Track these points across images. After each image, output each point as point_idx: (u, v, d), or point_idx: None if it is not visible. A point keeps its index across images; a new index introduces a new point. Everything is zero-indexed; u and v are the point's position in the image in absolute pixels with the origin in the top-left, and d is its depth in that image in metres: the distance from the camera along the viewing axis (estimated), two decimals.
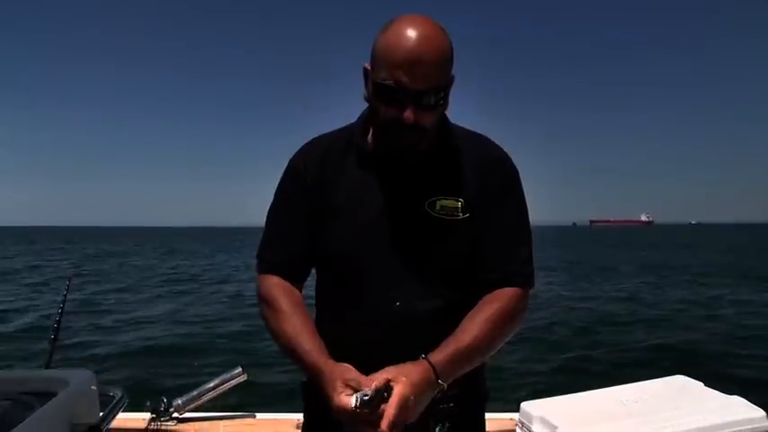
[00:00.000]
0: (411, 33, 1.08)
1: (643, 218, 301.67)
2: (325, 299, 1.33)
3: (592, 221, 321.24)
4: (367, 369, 1.11)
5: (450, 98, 1.21)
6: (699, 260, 29.04)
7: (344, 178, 1.27)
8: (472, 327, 1.18)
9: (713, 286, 17.12)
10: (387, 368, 1.06)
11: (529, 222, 1.32)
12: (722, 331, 10.46)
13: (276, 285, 1.27)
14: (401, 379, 1.04)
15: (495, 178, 1.28)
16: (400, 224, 1.22)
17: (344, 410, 1.02)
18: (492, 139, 1.36)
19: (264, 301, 1.27)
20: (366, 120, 1.30)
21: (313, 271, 1.36)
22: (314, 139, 1.36)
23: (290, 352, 1.19)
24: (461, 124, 1.35)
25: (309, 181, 1.28)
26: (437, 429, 1.21)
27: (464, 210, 1.23)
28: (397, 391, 1.02)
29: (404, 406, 1.02)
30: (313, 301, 1.37)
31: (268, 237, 1.33)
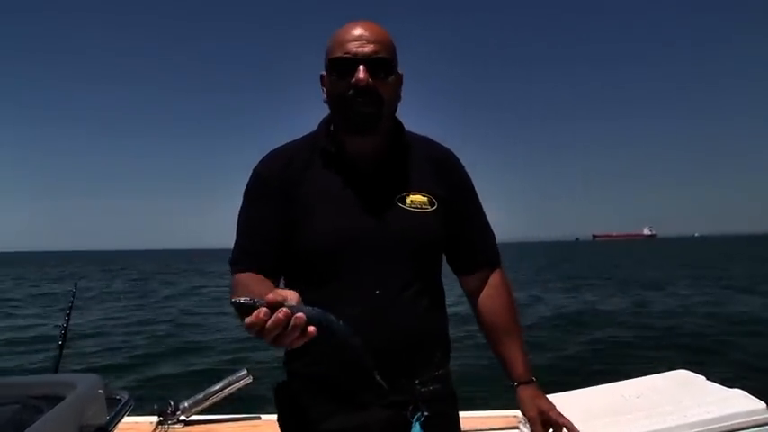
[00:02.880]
0: (355, 23, 1.27)
1: (646, 231, 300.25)
2: (302, 297, 1.33)
3: (595, 236, 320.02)
4: (345, 357, 1.13)
5: (403, 94, 1.34)
6: None
7: (311, 179, 1.32)
8: (507, 322, 1.41)
9: None
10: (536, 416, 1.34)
11: None
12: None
13: (240, 275, 1.28)
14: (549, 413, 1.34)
15: (456, 177, 1.43)
16: (374, 218, 1.28)
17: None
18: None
19: (230, 290, 1.26)
20: (327, 123, 1.37)
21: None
22: (277, 147, 1.41)
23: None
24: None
25: (274, 185, 1.32)
26: (414, 418, 1.24)
27: (431, 203, 1.33)
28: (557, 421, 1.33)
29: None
30: None
31: (237, 242, 1.36)
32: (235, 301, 0.92)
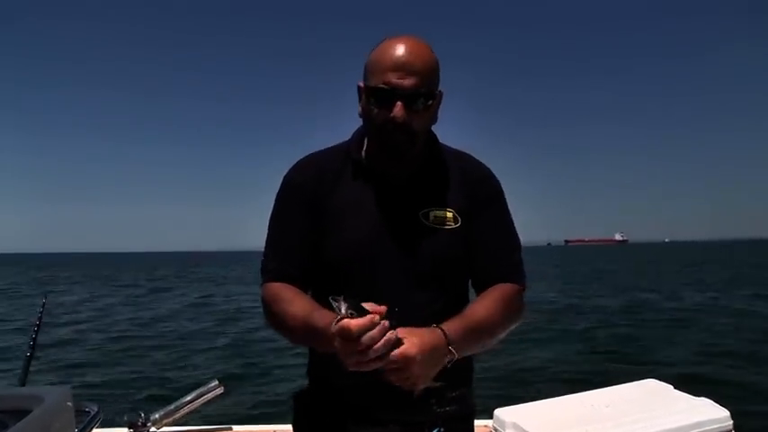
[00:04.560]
0: (398, 44, 1.21)
1: (617, 237, 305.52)
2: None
3: (567, 241, 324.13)
4: (366, 373, 1.11)
5: (440, 114, 1.31)
6: None
7: (341, 190, 1.32)
8: (480, 306, 1.26)
9: None
10: (399, 329, 1.05)
11: (516, 230, 1.41)
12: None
13: (279, 285, 1.30)
14: (411, 339, 1.04)
15: (483, 191, 1.37)
16: (397, 233, 1.28)
17: (341, 330, 0.97)
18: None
19: (268, 300, 1.29)
20: (361, 135, 1.36)
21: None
22: (307, 155, 1.41)
23: (303, 330, 1.18)
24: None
25: (306, 193, 1.32)
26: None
27: (455, 219, 1.30)
28: (401, 349, 1.02)
29: (406, 362, 1.02)
30: None
31: (269, 249, 1.36)
32: (340, 299, 0.96)
